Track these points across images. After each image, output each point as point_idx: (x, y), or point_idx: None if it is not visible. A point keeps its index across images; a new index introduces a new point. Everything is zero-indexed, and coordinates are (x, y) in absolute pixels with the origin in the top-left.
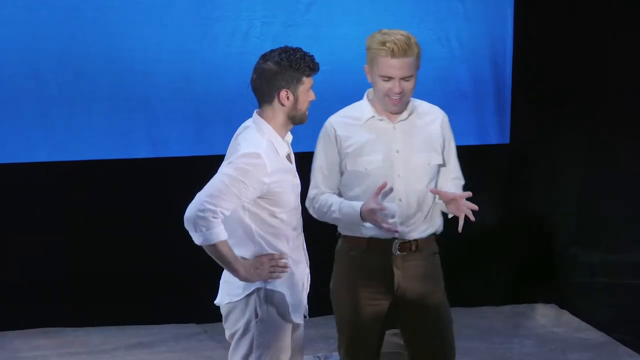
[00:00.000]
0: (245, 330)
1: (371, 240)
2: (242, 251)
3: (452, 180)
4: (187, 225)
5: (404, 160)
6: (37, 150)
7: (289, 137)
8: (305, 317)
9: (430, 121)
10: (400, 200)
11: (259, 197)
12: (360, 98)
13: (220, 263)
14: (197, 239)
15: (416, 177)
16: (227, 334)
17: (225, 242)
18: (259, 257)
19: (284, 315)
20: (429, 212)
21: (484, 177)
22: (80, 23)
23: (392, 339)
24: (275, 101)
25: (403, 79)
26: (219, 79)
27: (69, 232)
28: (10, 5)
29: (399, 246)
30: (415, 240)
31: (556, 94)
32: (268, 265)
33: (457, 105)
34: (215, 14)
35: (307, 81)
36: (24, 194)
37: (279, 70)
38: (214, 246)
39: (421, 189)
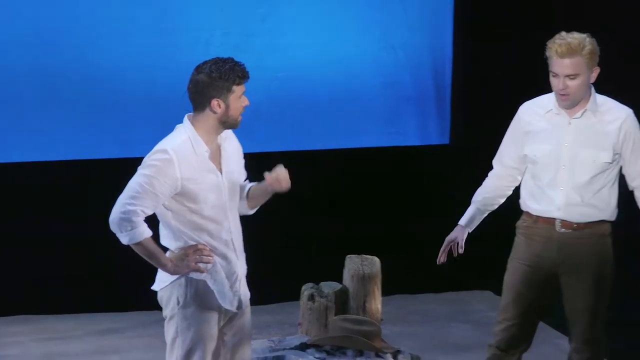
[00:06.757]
0: (171, 315)
1: (538, 217)
2: (171, 245)
3: None
4: (113, 228)
5: (571, 153)
6: (11, 151)
7: (227, 137)
8: (239, 307)
9: (609, 121)
10: (561, 188)
11: (177, 195)
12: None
13: (148, 260)
14: (123, 239)
15: (580, 171)
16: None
17: (150, 239)
18: (184, 249)
19: (207, 302)
20: (590, 202)
21: (425, 175)
22: (52, 34)
23: (342, 324)
24: (207, 109)
25: (567, 76)
26: (182, 86)
27: (42, 227)
28: None
29: (560, 224)
30: (577, 222)
31: (492, 99)
32: (193, 256)
33: (401, 109)
34: (177, 24)
35: (237, 89)
36: (0, 192)
37: (210, 81)
38: (140, 244)
39: (583, 182)
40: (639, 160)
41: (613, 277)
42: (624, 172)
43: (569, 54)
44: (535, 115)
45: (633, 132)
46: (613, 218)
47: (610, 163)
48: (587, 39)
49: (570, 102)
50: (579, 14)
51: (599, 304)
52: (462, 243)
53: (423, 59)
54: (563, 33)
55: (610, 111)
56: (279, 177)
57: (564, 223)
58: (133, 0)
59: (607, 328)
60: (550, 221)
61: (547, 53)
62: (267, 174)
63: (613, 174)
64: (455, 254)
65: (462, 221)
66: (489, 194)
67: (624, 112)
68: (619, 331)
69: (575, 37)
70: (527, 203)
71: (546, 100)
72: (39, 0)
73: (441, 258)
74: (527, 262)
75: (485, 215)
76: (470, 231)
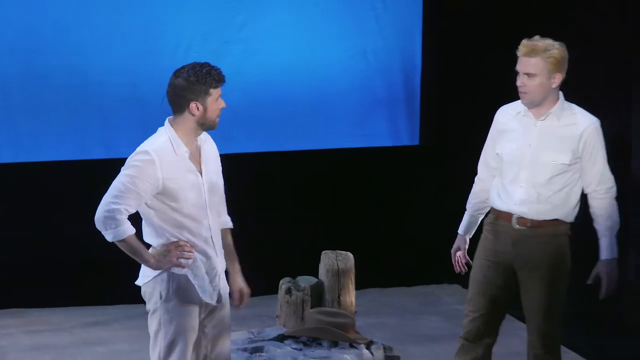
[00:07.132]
0: (154, 309)
1: (500, 212)
2: (154, 242)
3: (598, 191)
4: (98, 226)
5: (533, 153)
6: (3, 152)
7: (206, 140)
8: (219, 301)
9: (571, 126)
10: (521, 185)
11: (159, 194)
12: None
13: (132, 256)
14: (108, 237)
15: (540, 171)
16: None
17: (133, 236)
18: (166, 246)
19: (189, 296)
20: (547, 200)
21: (396, 174)
22: (41, 41)
23: (318, 316)
24: (186, 112)
25: (526, 75)
26: (163, 90)
27: (30, 224)
28: None
29: (517, 220)
30: (532, 219)
31: (460, 102)
32: (175, 252)
33: (373, 112)
34: (159, 32)
35: (214, 92)
36: None
37: (188, 85)
38: (124, 241)
39: (542, 181)
40: (594, 167)
41: (569, 277)
42: (582, 177)
43: (531, 54)
44: (508, 116)
45: (593, 141)
46: (570, 219)
47: (569, 165)
48: (556, 46)
49: (528, 101)
50: (550, 20)
51: (553, 302)
52: (464, 252)
53: (393, 64)
54: (537, 37)
55: (574, 117)
56: (244, 303)
57: (520, 220)
58: (117, 9)
59: (564, 324)
60: (509, 217)
61: (517, 51)
62: (237, 291)
63: (575, 177)
64: (461, 266)
65: (460, 230)
66: (477, 198)
67: (588, 120)
68: (580, 327)
69: (544, 41)
70: (493, 199)
71: (519, 103)
72: (27, 9)
73: (457, 268)
74: (488, 257)
75: (481, 218)
76: (470, 237)
